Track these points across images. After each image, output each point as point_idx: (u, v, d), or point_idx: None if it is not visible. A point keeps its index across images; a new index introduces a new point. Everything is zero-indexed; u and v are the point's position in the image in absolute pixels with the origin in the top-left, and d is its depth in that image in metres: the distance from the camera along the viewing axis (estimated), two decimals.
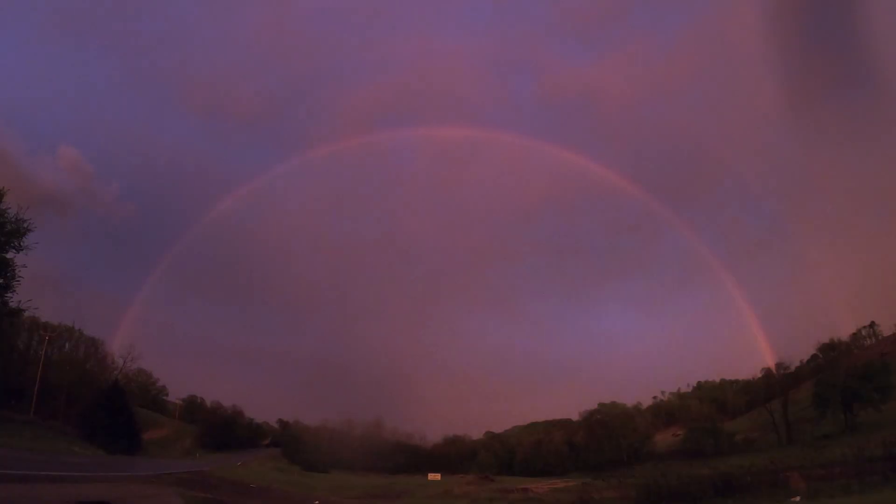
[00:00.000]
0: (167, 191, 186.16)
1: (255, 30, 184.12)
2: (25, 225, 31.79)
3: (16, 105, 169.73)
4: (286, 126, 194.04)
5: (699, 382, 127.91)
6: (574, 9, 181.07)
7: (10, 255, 31.65)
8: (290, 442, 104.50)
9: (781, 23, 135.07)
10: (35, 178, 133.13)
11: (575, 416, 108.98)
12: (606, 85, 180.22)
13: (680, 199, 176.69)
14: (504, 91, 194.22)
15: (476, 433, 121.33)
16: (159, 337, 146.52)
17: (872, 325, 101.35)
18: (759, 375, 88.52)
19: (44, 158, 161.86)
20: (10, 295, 32.64)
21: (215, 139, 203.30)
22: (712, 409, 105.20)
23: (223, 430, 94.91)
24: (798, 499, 23.53)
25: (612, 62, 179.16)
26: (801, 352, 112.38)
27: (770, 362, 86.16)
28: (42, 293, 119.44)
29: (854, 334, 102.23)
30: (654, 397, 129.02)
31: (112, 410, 53.85)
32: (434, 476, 72.96)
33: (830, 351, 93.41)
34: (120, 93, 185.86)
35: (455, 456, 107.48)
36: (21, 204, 31.92)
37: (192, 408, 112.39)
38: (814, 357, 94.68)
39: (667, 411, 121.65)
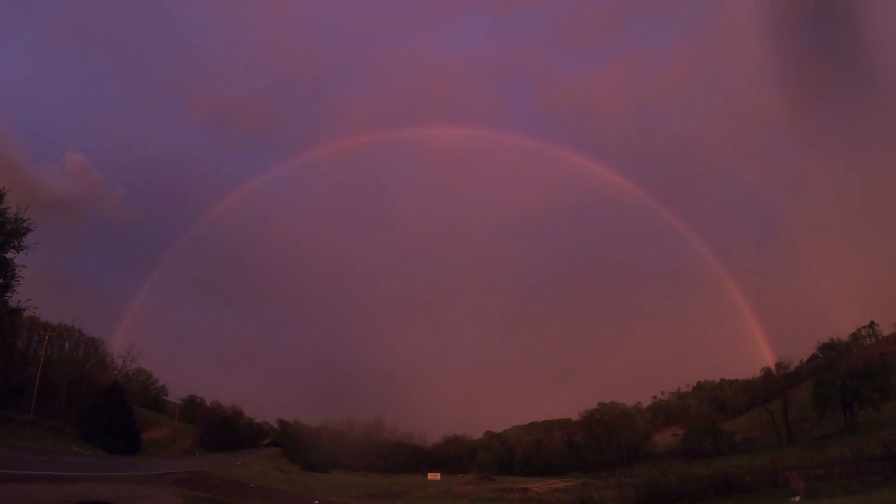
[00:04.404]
0: (171, 195, 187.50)
1: (258, 40, 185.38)
2: (25, 225, 31.75)
3: (23, 111, 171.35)
4: (288, 132, 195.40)
5: (699, 382, 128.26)
6: (570, 22, 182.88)
7: (9, 256, 31.61)
8: (289, 442, 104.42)
9: (780, 29, 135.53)
10: (41, 183, 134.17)
11: (575, 416, 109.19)
12: (603, 93, 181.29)
13: (679, 202, 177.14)
14: (502, 100, 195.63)
15: (476, 433, 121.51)
16: (159, 337, 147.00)
17: (872, 325, 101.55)
18: (759, 375, 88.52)
19: (50, 163, 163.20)
20: (9, 295, 32.60)
21: (218, 145, 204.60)
22: (712, 409, 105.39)
23: (223, 430, 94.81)
24: (798, 499, 23.50)
25: (608, 71, 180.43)
26: (801, 352, 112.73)
27: (770, 362, 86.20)
28: (46, 295, 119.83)
29: (854, 334, 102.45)
30: (654, 397, 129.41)
31: (112, 410, 53.68)
32: (434, 476, 72.99)
33: (830, 351, 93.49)
34: (126, 100, 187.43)
35: (455, 456, 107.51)
36: (21, 204, 31.86)
37: (192, 408, 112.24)
38: (814, 357, 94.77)
39: (667, 411, 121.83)
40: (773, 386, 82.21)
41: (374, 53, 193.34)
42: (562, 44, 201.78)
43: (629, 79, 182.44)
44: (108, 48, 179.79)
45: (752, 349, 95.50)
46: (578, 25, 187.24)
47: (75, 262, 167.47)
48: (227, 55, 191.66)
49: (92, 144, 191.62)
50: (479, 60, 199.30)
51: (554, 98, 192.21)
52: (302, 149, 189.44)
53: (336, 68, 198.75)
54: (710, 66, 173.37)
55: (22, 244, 31.74)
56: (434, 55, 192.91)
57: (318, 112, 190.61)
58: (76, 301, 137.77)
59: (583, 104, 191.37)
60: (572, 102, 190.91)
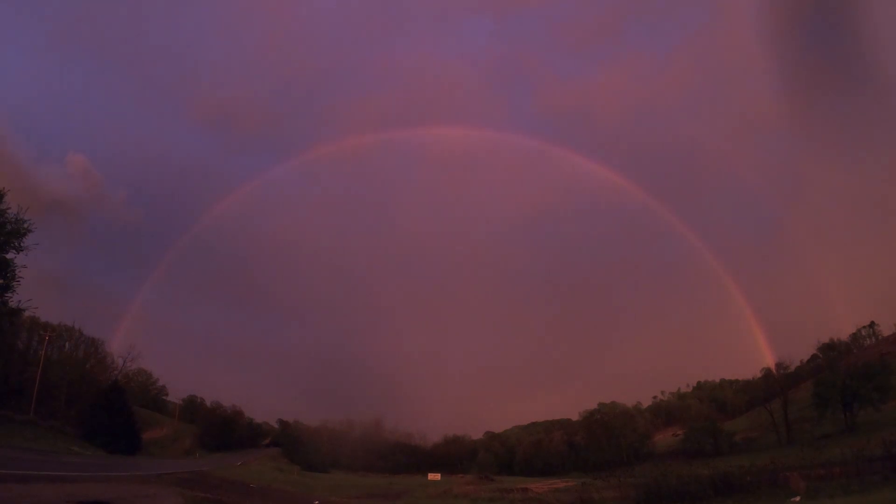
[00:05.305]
0: (172, 196, 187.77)
1: (259, 40, 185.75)
2: (26, 226, 31.73)
3: (25, 112, 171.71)
4: (289, 133, 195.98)
5: (699, 382, 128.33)
6: (571, 24, 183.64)
7: (10, 256, 31.59)
8: (290, 442, 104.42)
9: (779, 30, 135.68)
10: (43, 184, 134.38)
11: (575, 416, 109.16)
12: (604, 94, 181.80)
13: (680, 202, 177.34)
14: (503, 101, 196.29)
15: (476, 433, 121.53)
16: (159, 337, 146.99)
17: (872, 325, 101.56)
18: (759, 375, 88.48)
19: (52, 164, 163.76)
20: (9, 295, 32.58)
21: (219, 145, 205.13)
22: (712, 409, 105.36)
23: (223, 430, 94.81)
24: (798, 499, 23.52)
25: (609, 73, 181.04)
26: (801, 352, 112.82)
27: (770, 362, 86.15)
28: (46, 295, 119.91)
29: (854, 334, 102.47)
30: (654, 397, 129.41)
31: (112, 410, 53.64)
32: (434, 476, 73.01)
33: (830, 351, 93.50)
34: (127, 101, 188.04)
35: (455, 456, 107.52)
36: (22, 205, 31.84)
37: (192, 408, 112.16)
38: (814, 357, 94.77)
39: (667, 411, 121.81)
40: (773, 386, 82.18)
41: (374, 54, 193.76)
42: (562, 46, 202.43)
43: (630, 80, 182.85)
44: (110, 49, 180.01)
45: (752, 349, 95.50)
46: (579, 28, 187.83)
47: (76, 262, 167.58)
48: (227, 56, 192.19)
49: (94, 145, 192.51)
50: (479, 62, 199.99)
51: (554, 100, 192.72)
52: (302, 149, 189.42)
53: (336, 69, 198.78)
54: (711, 68, 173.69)
55: (22, 244, 31.73)
56: (434, 57, 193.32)
57: (318, 113, 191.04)
58: (76, 301, 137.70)
59: (583, 106, 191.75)
60: (573, 104, 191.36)
